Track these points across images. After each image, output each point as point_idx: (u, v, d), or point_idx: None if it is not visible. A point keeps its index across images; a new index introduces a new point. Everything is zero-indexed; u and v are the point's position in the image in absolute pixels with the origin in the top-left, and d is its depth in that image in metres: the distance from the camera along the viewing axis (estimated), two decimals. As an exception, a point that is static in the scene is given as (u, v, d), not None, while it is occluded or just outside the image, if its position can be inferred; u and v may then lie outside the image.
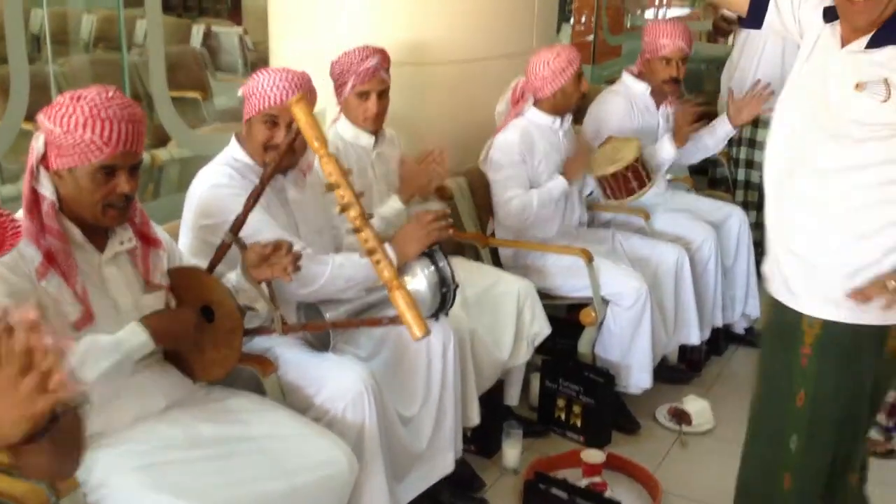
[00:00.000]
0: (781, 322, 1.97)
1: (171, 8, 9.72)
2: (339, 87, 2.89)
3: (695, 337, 3.48)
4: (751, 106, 3.59)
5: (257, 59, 6.63)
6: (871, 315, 1.84)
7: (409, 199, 2.94)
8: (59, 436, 1.17)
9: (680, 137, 3.53)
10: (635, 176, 3.31)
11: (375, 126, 2.92)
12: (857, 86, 1.80)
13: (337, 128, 2.96)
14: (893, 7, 1.79)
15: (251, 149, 2.38)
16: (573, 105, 3.34)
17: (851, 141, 1.82)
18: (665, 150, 3.54)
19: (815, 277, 1.89)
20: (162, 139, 3.67)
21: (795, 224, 1.92)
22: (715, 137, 3.71)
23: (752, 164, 4.19)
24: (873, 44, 1.81)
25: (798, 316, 1.92)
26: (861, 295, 1.81)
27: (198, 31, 7.10)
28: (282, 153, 2.05)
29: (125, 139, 1.81)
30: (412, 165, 3.01)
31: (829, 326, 1.88)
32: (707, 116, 3.75)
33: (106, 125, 1.78)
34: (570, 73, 3.22)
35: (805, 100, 1.92)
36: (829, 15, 1.90)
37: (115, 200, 1.85)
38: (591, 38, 6.48)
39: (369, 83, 2.82)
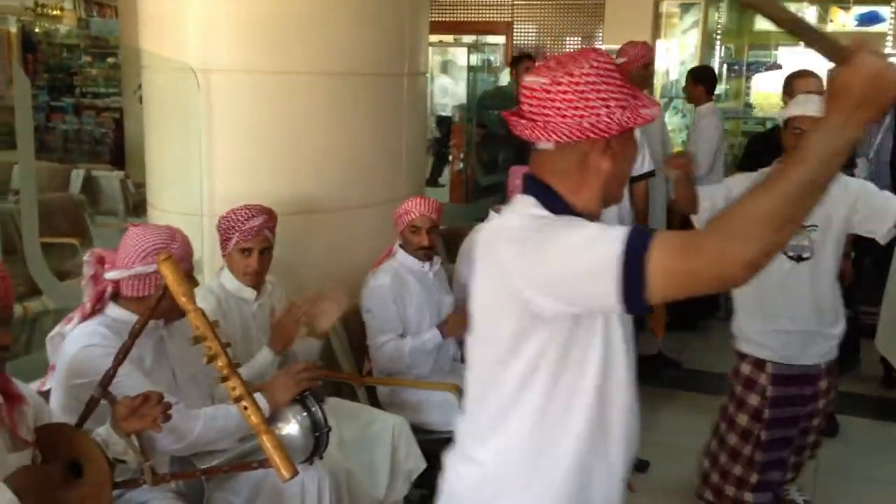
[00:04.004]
0: None
1: (51, 151, 9.72)
2: (223, 242, 3.02)
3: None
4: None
5: (140, 202, 6.66)
6: None
7: (281, 350, 3.00)
8: None
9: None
10: None
11: (255, 281, 3.04)
12: None
13: (220, 278, 3.07)
14: None
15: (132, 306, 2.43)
16: (417, 250, 3.48)
17: None
18: None
19: None
20: (35, 289, 3.66)
21: None
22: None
23: None
24: None
25: None
26: None
27: (77, 175, 7.11)
28: (150, 311, 2.14)
29: (1, 296, 1.83)
30: (281, 317, 3.07)
31: None
32: None
33: None
34: (405, 221, 3.45)
35: None
36: None
37: None
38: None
39: (252, 241, 2.96)
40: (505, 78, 8.93)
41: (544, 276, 1.41)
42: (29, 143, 3.21)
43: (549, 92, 1.49)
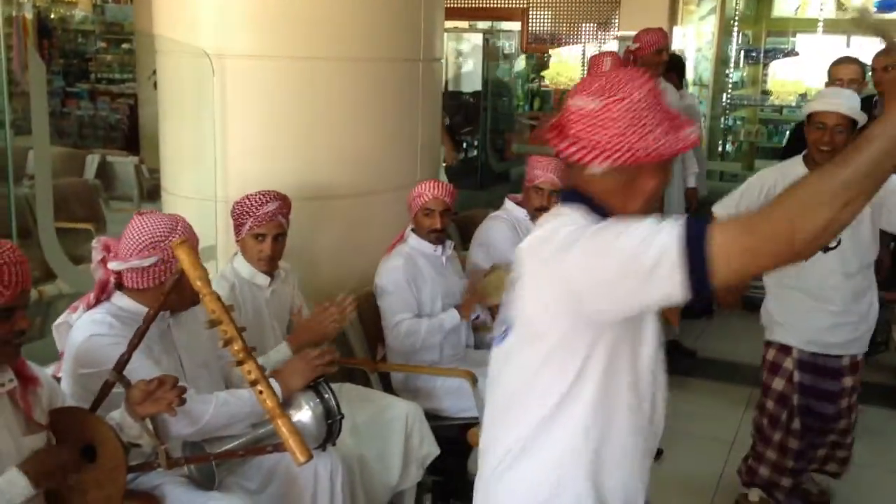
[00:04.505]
0: None
1: (66, 137, 9.75)
2: (237, 227, 3.01)
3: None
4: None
5: (155, 187, 6.67)
6: None
7: (300, 349, 2.98)
8: None
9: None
10: None
11: (269, 267, 3.04)
12: None
13: (234, 264, 3.06)
14: None
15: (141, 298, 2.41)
16: (428, 234, 3.47)
17: None
18: None
19: None
20: (50, 274, 3.66)
21: None
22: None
23: None
24: None
25: None
26: None
27: (92, 161, 7.11)
28: (166, 295, 2.13)
29: (22, 280, 1.88)
30: (307, 319, 3.05)
31: None
32: None
33: (4, 270, 1.85)
34: (418, 204, 3.44)
35: None
36: None
37: (12, 338, 1.91)
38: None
39: (266, 226, 2.96)
40: (520, 64, 8.89)
41: (603, 279, 1.39)
42: (44, 129, 3.21)
43: (600, 117, 1.48)
